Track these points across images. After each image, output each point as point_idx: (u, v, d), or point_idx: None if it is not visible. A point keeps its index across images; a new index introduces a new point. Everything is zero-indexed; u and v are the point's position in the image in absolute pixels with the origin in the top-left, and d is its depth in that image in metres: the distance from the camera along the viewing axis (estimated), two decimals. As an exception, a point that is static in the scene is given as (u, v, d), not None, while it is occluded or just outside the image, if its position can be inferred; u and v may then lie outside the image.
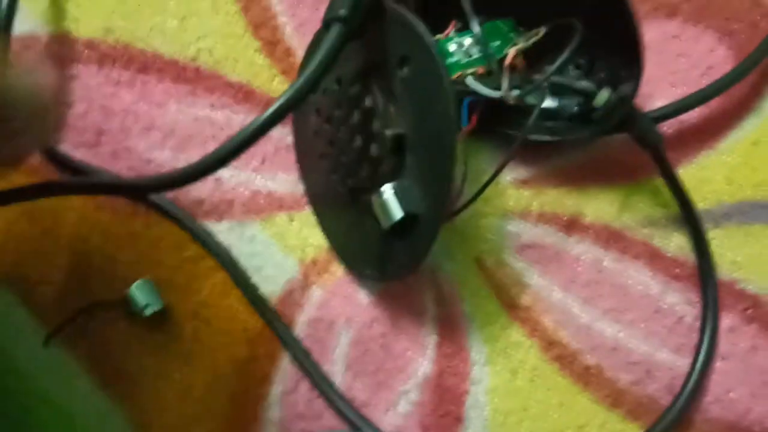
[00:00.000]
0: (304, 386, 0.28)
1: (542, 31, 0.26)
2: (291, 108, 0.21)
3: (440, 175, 0.24)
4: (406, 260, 0.26)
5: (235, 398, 0.27)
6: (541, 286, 0.28)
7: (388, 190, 0.25)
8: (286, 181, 0.29)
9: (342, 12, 0.22)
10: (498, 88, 0.26)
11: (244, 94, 0.30)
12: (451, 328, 0.28)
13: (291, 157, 0.29)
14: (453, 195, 0.25)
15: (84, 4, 0.30)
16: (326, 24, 0.23)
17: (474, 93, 0.26)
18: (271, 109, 0.21)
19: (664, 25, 0.30)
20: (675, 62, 0.30)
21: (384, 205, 0.25)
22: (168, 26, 0.30)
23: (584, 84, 0.26)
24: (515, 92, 0.25)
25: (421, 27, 0.23)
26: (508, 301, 0.28)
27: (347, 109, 0.25)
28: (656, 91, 0.29)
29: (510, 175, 0.29)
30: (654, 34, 0.30)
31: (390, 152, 0.25)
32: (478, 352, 0.28)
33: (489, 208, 0.29)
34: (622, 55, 0.25)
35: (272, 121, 0.21)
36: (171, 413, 0.27)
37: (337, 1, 0.23)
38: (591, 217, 0.29)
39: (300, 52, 0.30)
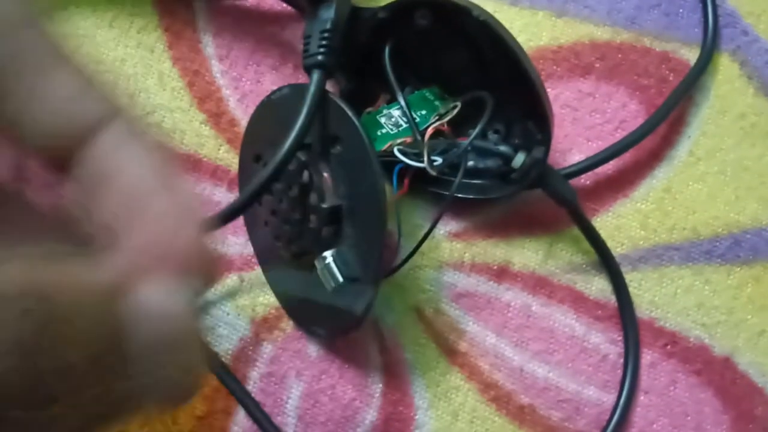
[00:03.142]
0: (259, 438, 0.30)
1: (459, 104, 0.28)
2: (289, 157, 0.25)
3: (373, 242, 0.26)
4: (350, 317, 0.28)
5: (193, 454, 0.29)
6: (476, 332, 0.30)
7: (328, 257, 0.27)
8: (236, 244, 0.31)
9: (320, 58, 0.26)
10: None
11: (192, 163, 0.32)
12: (394, 376, 0.30)
13: (239, 221, 0.31)
14: (388, 257, 0.27)
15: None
16: (307, 69, 0.26)
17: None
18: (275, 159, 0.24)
19: (579, 84, 0.33)
20: (590, 119, 0.32)
21: (325, 271, 0.27)
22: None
23: (502, 148, 0.28)
24: (437, 162, 0.27)
25: (350, 110, 0.26)
26: (447, 347, 0.30)
27: (286, 183, 0.28)
28: (574, 145, 0.32)
29: (444, 228, 0.31)
30: (570, 93, 0.32)
31: (327, 223, 0.27)
32: (420, 397, 0.30)
33: (425, 261, 0.31)
34: (535, 120, 0.28)
35: (276, 172, 0.25)
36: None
37: (313, 48, 0.26)
38: (518, 265, 0.31)
39: (243, 122, 0.32)
